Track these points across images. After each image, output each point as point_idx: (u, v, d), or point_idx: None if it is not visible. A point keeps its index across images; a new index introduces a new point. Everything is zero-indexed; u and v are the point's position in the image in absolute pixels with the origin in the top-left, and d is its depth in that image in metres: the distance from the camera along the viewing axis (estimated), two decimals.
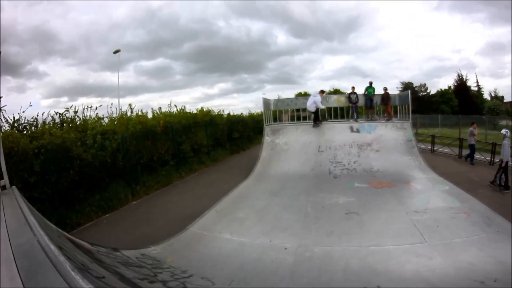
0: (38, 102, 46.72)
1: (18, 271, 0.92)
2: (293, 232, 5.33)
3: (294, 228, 5.47)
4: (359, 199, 6.92)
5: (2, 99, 6.39)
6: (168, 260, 4.24)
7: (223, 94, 68.99)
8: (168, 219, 6.43)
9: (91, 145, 7.24)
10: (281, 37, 65.90)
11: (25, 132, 7.09)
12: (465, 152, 11.53)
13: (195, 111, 14.58)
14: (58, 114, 8.02)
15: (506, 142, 7.89)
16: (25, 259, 1.01)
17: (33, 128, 7.29)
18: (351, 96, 12.29)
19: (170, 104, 13.91)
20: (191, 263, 4.26)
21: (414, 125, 22.31)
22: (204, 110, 15.13)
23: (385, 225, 5.47)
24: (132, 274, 2.99)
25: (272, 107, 13.02)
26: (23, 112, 7.21)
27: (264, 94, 65.71)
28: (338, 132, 10.57)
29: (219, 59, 61.29)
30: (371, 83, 12.62)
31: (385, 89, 12.40)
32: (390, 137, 10.23)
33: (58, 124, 7.88)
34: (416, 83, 42.82)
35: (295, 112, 13.54)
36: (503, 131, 8.24)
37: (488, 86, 66.85)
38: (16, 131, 6.83)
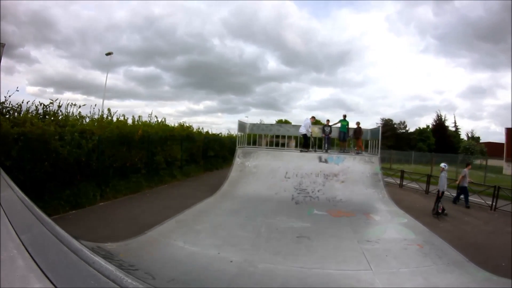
0: (24, 88, 45.05)
1: (24, 245, 0.98)
2: (242, 248, 5.48)
3: (244, 245, 5.63)
4: (314, 225, 7.03)
5: None
6: (120, 255, 4.47)
7: (208, 111, 69.58)
8: (130, 223, 6.63)
9: (69, 141, 7.52)
10: (272, 63, 69.09)
11: (8, 116, 7.28)
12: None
13: (176, 125, 15.14)
14: (42, 105, 8.28)
15: (443, 174, 8.81)
16: (29, 233, 1.10)
17: (15, 114, 7.50)
18: (325, 128, 13.23)
19: (151, 114, 14.29)
20: (140, 261, 4.46)
21: (389, 160, 23.92)
22: (185, 125, 15.66)
23: (333, 251, 5.53)
24: None
25: (247, 131, 13.52)
26: (10, 96, 7.46)
27: (247, 117, 66.57)
28: (307, 160, 11.01)
29: (208, 76, 62.68)
30: (345, 116, 13.27)
31: (358, 123, 13.18)
32: (357, 169, 10.59)
33: (41, 115, 8.11)
34: (397, 120, 45.87)
35: (274, 138, 14.14)
36: (442, 164, 9.09)
37: (466, 127, 72.00)
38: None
